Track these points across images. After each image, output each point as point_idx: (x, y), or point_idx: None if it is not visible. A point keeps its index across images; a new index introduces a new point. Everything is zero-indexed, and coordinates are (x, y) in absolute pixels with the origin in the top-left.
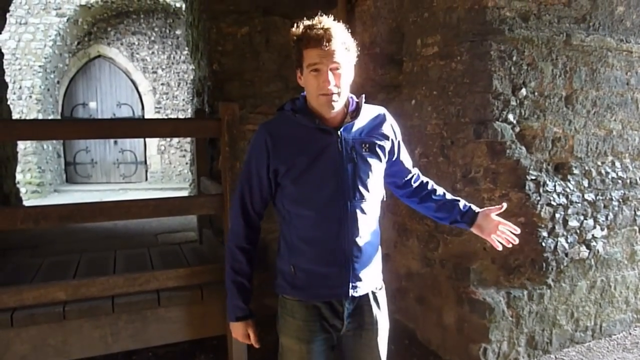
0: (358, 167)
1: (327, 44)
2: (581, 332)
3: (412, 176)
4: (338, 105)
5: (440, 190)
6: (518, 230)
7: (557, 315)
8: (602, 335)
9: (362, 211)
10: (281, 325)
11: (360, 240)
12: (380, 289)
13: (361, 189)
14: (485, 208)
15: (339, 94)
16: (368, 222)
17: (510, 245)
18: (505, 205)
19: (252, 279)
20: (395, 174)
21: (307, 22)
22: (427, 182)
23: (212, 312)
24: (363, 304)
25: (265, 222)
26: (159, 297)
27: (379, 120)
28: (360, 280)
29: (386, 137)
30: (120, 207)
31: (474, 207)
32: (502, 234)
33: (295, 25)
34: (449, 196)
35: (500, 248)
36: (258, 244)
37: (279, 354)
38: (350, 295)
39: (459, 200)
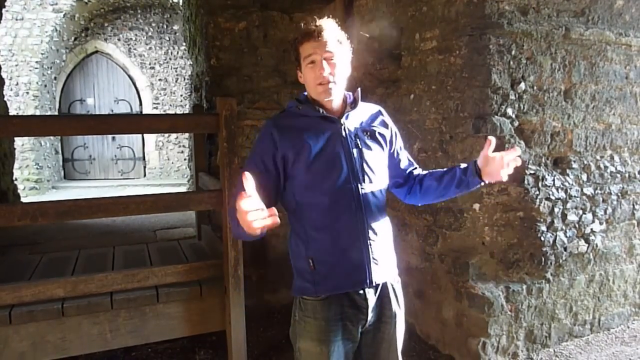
0: (363, 152)
1: (319, 36)
2: (580, 326)
3: (414, 169)
4: (335, 93)
5: (435, 170)
6: (519, 152)
7: (556, 309)
8: (600, 328)
9: (373, 194)
10: (301, 329)
11: (374, 224)
12: (398, 282)
13: (369, 172)
14: (480, 154)
15: (334, 82)
16: (379, 206)
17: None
18: (492, 138)
19: None
20: (396, 168)
21: (312, 20)
22: (423, 170)
23: (211, 308)
24: (383, 296)
25: None
26: (158, 293)
27: (377, 113)
28: (377, 264)
29: (385, 126)
30: (118, 203)
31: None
32: (508, 164)
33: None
34: (445, 169)
35: (506, 179)
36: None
37: (295, 359)
38: (373, 281)
39: (457, 165)
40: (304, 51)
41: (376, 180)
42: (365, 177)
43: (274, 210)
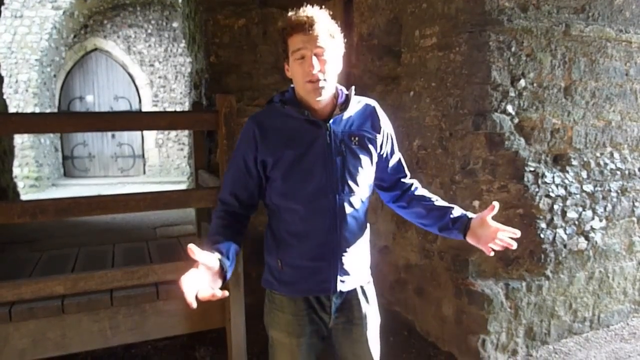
0: (347, 160)
1: (310, 29)
2: (579, 323)
3: (402, 178)
4: (325, 92)
5: (431, 196)
6: (518, 234)
7: (556, 306)
8: (600, 325)
9: (351, 205)
10: (270, 320)
11: (349, 235)
12: (368, 282)
13: (350, 182)
14: (478, 214)
15: (325, 80)
16: (356, 216)
17: (513, 247)
18: (497, 204)
19: (230, 247)
20: (382, 171)
21: (300, 11)
22: (417, 187)
23: (211, 305)
24: (352, 298)
25: (261, 215)
26: (158, 291)
27: (369, 112)
28: (347, 274)
29: (377, 130)
30: (117, 201)
31: (468, 213)
32: (501, 241)
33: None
34: (441, 202)
35: (492, 254)
36: (243, 230)
37: (269, 346)
38: (338, 290)
39: (452, 207)
40: (293, 44)
41: (357, 190)
42: (345, 187)
43: (216, 290)
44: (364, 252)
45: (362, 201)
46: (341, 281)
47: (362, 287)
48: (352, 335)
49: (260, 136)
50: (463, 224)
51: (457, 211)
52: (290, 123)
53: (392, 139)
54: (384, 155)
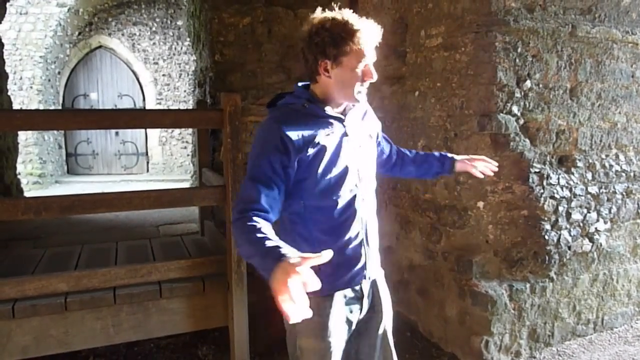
0: (362, 152)
1: (376, 47)
2: (583, 325)
3: (391, 150)
4: None
5: (413, 152)
6: (495, 165)
7: (559, 308)
8: (603, 328)
9: (369, 194)
10: (301, 327)
11: (370, 223)
12: (382, 272)
13: (368, 173)
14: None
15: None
16: (374, 206)
17: (491, 174)
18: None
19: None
20: (380, 155)
21: (353, 17)
22: (402, 150)
23: (214, 303)
24: (374, 286)
25: None
26: (161, 289)
27: (366, 111)
28: (372, 261)
29: (375, 120)
30: (121, 198)
31: (449, 155)
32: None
33: (324, 15)
34: (422, 153)
35: (482, 176)
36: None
37: (295, 357)
38: (367, 277)
39: (433, 155)
40: (357, 53)
41: (372, 179)
42: (365, 177)
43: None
44: (378, 242)
45: (374, 189)
46: (369, 268)
47: (379, 277)
48: (372, 322)
49: (289, 138)
50: (450, 168)
51: (440, 155)
52: (315, 121)
53: (380, 129)
54: (381, 142)
